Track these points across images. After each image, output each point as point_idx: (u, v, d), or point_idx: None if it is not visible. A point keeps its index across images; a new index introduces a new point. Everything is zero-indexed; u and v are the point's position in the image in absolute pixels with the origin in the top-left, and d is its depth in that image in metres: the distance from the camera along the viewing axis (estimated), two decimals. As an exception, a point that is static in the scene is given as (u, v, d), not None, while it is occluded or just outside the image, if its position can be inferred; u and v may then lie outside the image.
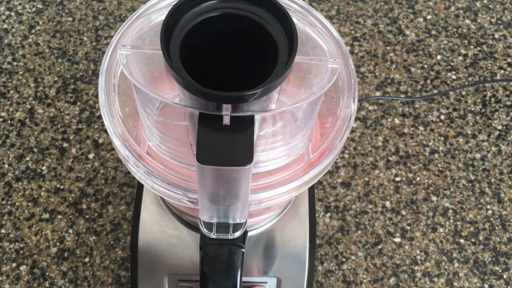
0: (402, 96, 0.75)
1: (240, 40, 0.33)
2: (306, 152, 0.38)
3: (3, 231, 0.65)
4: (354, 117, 0.37)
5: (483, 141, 0.72)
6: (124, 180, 0.68)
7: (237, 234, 0.36)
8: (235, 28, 0.31)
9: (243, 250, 0.37)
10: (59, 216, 0.66)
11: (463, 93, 0.76)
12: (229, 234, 0.36)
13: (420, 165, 0.70)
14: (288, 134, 0.37)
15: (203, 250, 0.37)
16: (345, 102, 0.38)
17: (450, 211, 0.67)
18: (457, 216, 0.67)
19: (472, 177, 0.69)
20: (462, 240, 0.66)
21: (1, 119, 0.72)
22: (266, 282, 0.54)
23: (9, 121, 0.72)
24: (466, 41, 0.80)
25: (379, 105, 0.74)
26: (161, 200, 0.55)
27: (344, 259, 0.64)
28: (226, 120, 0.29)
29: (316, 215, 0.64)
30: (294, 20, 0.31)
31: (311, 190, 0.56)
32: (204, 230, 0.36)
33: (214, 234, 0.36)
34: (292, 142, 0.37)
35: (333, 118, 0.38)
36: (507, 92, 0.76)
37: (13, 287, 0.62)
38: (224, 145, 0.29)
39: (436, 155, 0.71)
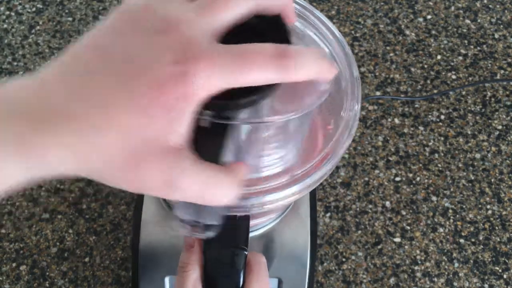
0: (402, 96, 0.75)
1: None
2: (309, 155, 0.38)
3: (3, 231, 0.65)
4: (357, 122, 0.37)
5: (483, 141, 0.72)
6: (124, 180, 0.68)
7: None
8: (229, 32, 0.30)
9: (246, 252, 0.37)
10: (59, 216, 0.66)
11: (463, 93, 0.76)
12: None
13: (420, 165, 0.70)
14: (291, 138, 0.37)
15: (206, 252, 0.37)
16: (349, 104, 0.38)
17: (450, 211, 0.67)
18: (457, 216, 0.67)
19: (472, 177, 0.70)
20: (462, 240, 0.66)
21: (0, 119, 0.72)
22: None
23: (9, 121, 0.72)
24: (466, 41, 0.80)
25: (379, 105, 0.74)
26: (162, 201, 0.55)
27: (344, 259, 0.64)
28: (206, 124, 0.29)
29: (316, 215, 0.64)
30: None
31: (312, 191, 0.56)
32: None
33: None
34: (295, 146, 0.37)
35: (336, 121, 0.38)
36: (507, 92, 0.76)
37: (13, 287, 0.62)
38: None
39: (436, 155, 0.71)
